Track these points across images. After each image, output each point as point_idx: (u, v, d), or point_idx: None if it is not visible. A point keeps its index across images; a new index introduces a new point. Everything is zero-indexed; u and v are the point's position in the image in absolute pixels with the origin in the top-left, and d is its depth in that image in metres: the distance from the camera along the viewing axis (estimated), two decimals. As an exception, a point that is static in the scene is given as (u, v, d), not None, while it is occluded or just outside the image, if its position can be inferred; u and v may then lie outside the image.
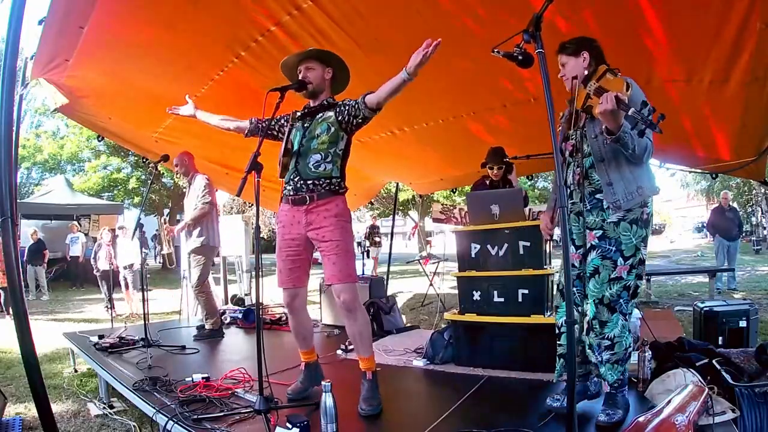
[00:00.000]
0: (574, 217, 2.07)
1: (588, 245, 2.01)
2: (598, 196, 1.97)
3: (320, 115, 2.33)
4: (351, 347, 3.42)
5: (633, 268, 1.94)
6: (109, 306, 6.92)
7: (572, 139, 2.04)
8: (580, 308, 2.06)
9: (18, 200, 8.15)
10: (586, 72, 1.94)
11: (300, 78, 2.32)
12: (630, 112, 1.61)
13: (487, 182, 3.90)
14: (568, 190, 2.07)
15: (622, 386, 1.99)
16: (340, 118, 2.29)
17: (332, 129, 2.28)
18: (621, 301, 1.94)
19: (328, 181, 2.27)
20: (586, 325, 2.04)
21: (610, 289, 1.93)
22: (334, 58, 2.37)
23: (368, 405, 2.17)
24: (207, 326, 4.17)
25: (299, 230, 2.30)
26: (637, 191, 1.90)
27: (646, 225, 1.95)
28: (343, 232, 2.26)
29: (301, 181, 2.27)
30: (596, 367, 2.05)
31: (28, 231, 10.04)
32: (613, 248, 1.93)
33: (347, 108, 2.29)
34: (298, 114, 2.41)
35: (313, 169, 2.26)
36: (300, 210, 2.28)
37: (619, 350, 1.94)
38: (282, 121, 2.47)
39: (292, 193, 2.30)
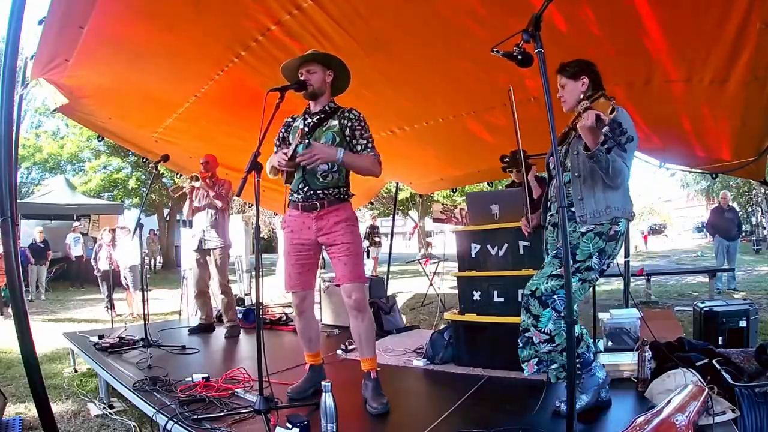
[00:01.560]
0: (551, 228, 2.19)
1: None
2: (572, 209, 2.04)
3: (324, 123, 2.34)
4: (351, 347, 3.42)
5: (578, 271, 1.99)
6: (109, 306, 6.92)
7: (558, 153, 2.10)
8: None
9: (18, 200, 8.15)
10: (582, 96, 2.02)
11: (302, 80, 2.33)
12: (603, 131, 1.68)
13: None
14: (549, 203, 2.20)
15: (585, 366, 2.01)
16: (347, 133, 2.32)
17: (337, 139, 2.31)
18: (555, 297, 1.96)
19: (337, 190, 2.33)
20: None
21: (547, 283, 1.98)
22: (335, 61, 2.38)
23: (379, 403, 2.19)
24: (230, 321, 4.28)
25: (309, 235, 2.33)
26: (604, 210, 1.98)
27: (610, 239, 2.00)
28: (353, 236, 2.33)
29: (311, 191, 2.31)
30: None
31: (32, 230, 10.04)
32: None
33: (351, 125, 2.32)
34: (301, 123, 2.40)
35: (321, 180, 2.30)
36: (310, 216, 2.32)
37: (560, 341, 1.96)
38: (285, 134, 2.47)
39: (302, 200, 2.33)
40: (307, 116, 2.40)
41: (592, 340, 2.14)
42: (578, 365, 1.98)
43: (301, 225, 2.34)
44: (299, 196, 2.33)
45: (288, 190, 2.43)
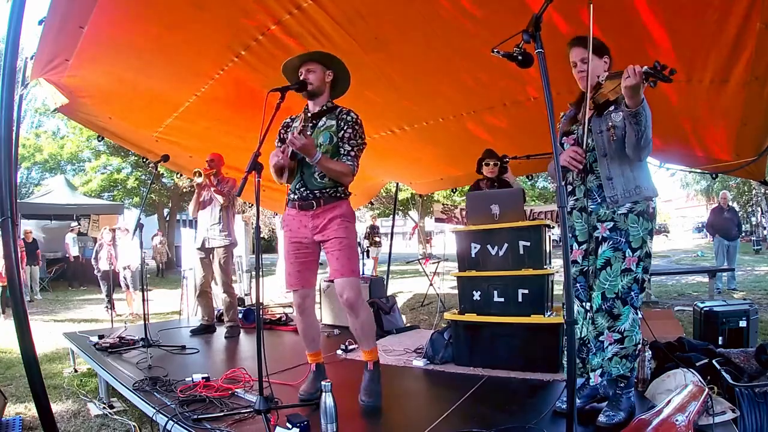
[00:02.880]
0: (577, 213, 2.08)
1: (600, 237, 2.01)
2: (601, 192, 1.99)
3: (322, 122, 2.35)
4: (351, 347, 3.42)
5: (641, 260, 1.95)
6: (109, 306, 6.92)
7: (574, 134, 2.06)
8: (584, 304, 2.07)
9: (18, 200, 8.15)
10: (605, 74, 1.96)
11: (301, 79, 2.33)
12: (645, 69, 1.61)
13: (482, 183, 3.92)
14: (570, 187, 2.10)
15: (627, 387, 1.97)
16: (341, 134, 2.33)
17: (335, 139, 2.32)
18: (632, 294, 1.94)
19: (333, 189, 2.34)
20: (588, 319, 2.03)
21: (622, 281, 1.93)
22: (335, 61, 2.38)
23: (368, 396, 2.22)
24: (230, 321, 4.27)
25: (306, 234, 2.35)
26: (635, 190, 1.93)
27: (651, 218, 1.97)
28: (347, 231, 2.33)
29: (308, 191, 2.32)
30: (589, 365, 2.05)
31: (22, 232, 10.02)
32: (623, 240, 1.95)
33: (345, 127, 2.32)
34: (296, 122, 2.40)
35: (318, 179, 2.31)
36: (307, 215, 2.34)
37: (628, 345, 1.92)
38: (284, 135, 2.48)
39: (299, 199, 2.35)
40: (306, 113, 2.40)
41: None
42: (622, 384, 1.97)
43: (299, 224, 2.36)
44: (296, 196, 2.35)
45: (287, 189, 2.45)
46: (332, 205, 2.33)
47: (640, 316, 2.44)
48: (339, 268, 2.29)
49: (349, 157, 2.33)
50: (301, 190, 2.33)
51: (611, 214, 1.98)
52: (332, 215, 2.31)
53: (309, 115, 2.34)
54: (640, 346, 1.97)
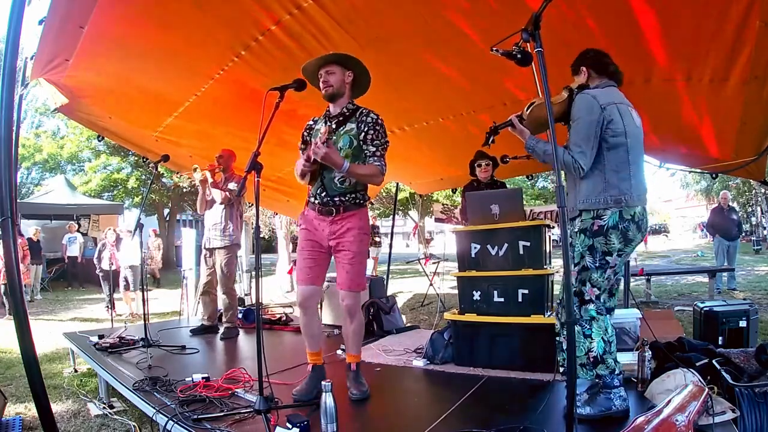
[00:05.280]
0: None
1: None
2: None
3: (342, 126, 2.35)
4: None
5: (578, 274, 2.02)
6: (109, 306, 6.92)
7: None
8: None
9: (18, 200, 8.15)
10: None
11: (321, 82, 2.34)
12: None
13: (475, 184, 3.92)
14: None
15: (605, 388, 1.98)
16: (362, 137, 2.33)
17: (355, 143, 2.33)
18: (573, 306, 1.97)
19: (353, 195, 2.36)
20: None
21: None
22: (354, 62, 2.39)
23: (358, 390, 2.33)
24: (228, 323, 4.24)
25: (321, 237, 2.39)
26: (574, 207, 2.05)
27: (594, 235, 1.98)
28: (361, 244, 2.38)
29: (328, 197, 2.35)
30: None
31: (30, 231, 10.02)
32: (572, 254, 2.03)
33: (366, 129, 2.32)
34: (322, 127, 2.38)
35: (338, 185, 2.33)
36: (325, 220, 2.37)
37: (580, 355, 1.97)
38: (307, 137, 2.49)
39: (318, 204, 2.37)
40: (327, 119, 2.41)
41: (618, 368, 2.03)
42: (598, 379, 2.00)
43: (317, 226, 2.40)
44: (317, 201, 2.38)
45: (308, 191, 2.48)
46: (351, 213, 2.36)
47: (638, 315, 2.45)
48: (348, 281, 2.35)
49: (376, 158, 2.33)
50: (322, 195, 2.36)
51: (572, 230, 2.10)
52: (350, 225, 2.34)
53: (332, 121, 2.34)
54: (594, 353, 1.98)
